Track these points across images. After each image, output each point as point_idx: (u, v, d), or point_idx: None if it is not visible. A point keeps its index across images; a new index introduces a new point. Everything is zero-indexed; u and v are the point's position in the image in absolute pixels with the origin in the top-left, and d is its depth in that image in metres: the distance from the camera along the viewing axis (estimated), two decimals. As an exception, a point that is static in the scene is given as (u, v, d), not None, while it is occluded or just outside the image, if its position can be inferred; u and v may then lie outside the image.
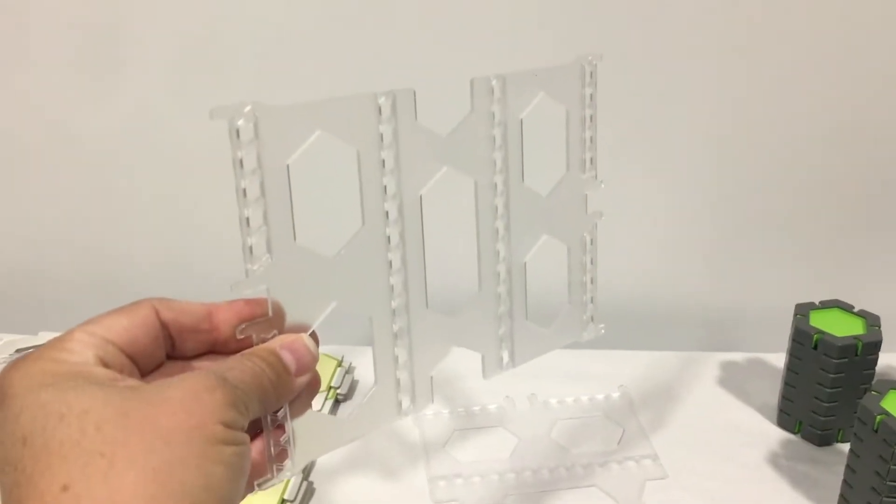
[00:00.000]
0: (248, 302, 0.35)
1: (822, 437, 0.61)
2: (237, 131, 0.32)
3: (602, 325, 0.50)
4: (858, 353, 0.58)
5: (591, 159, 0.48)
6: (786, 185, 0.74)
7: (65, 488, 0.26)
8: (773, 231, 0.75)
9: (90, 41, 0.72)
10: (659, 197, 0.75)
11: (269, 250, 0.34)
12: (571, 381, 0.68)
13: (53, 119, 0.76)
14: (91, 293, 0.82)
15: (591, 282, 0.50)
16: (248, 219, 0.33)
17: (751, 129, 0.72)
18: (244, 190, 0.33)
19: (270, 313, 0.34)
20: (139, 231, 0.79)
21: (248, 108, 0.32)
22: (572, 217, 0.48)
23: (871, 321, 0.60)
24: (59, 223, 0.80)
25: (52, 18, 0.72)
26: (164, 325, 0.33)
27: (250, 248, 0.33)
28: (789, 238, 0.76)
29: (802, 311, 0.62)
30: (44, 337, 0.71)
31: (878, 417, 0.50)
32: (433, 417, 0.65)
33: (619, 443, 0.62)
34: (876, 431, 0.50)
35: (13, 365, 0.30)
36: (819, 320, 0.61)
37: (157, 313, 0.33)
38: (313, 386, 0.35)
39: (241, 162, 0.33)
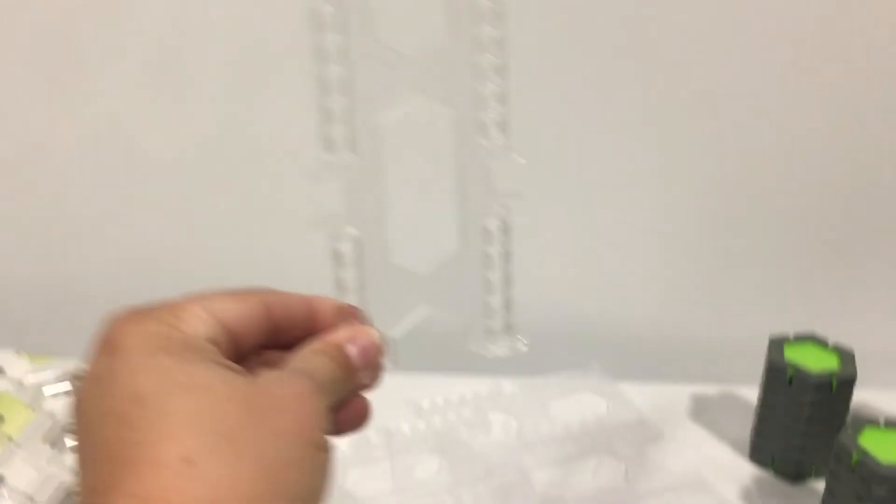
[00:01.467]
0: (342, 307, 0.34)
1: (796, 473, 0.60)
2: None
3: (524, 340, 0.42)
4: (833, 388, 0.57)
5: (502, 124, 0.38)
6: (759, 216, 0.73)
7: (186, 460, 0.25)
8: (746, 262, 0.75)
9: (54, 46, 0.70)
10: (631, 226, 0.74)
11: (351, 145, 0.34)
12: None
13: (12, 126, 0.73)
14: (43, 303, 0.79)
15: (506, 281, 0.41)
16: (328, 108, 0.33)
17: (724, 161, 0.71)
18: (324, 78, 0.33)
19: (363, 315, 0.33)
20: (96, 240, 0.77)
21: None
22: (473, 194, 0.39)
23: (846, 356, 0.59)
24: (11, 234, 0.78)
25: (15, 21, 0.70)
26: (271, 319, 0.32)
27: (330, 139, 0.33)
28: (762, 269, 0.75)
29: (776, 344, 0.61)
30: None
31: (855, 455, 0.49)
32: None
33: (591, 474, 0.61)
34: (853, 469, 0.49)
35: (129, 318, 0.29)
36: (793, 354, 0.60)
37: (268, 307, 0.32)
38: (374, 378, 0.34)
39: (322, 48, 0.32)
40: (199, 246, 0.77)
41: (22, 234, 0.77)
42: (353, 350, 0.33)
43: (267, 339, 0.33)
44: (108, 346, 0.29)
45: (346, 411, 0.33)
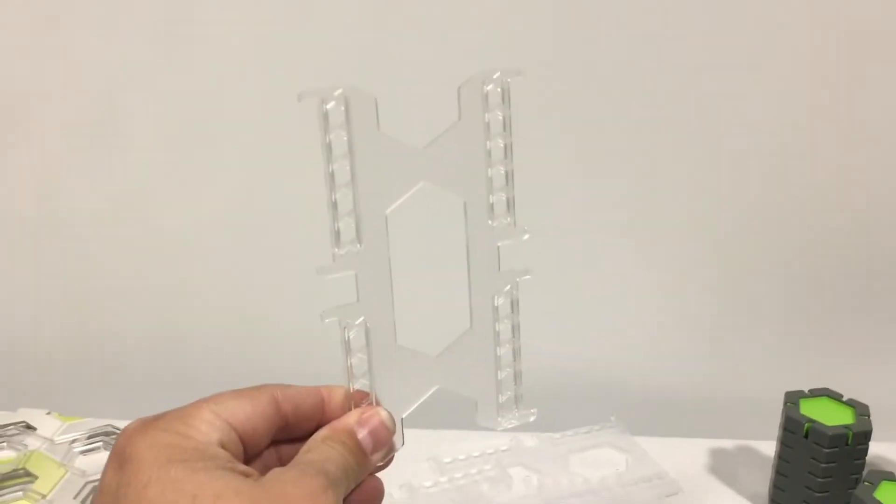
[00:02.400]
0: (352, 394, 0.35)
1: (814, 528, 0.61)
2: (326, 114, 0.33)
3: (533, 410, 0.43)
4: (849, 442, 0.58)
5: (508, 202, 0.40)
6: (772, 274, 0.75)
7: None
8: (761, 319, 0.76)
9: (88, 117, 0.73)
10: (648, 282, 0.76)
11: (357, 236, 0.35)
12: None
13: (45, 192, 0.76)
14: (73, 370, 0.81)
15: (514, 355, 0.42)
16: (335, 202, 0.34)
17: (738, 219, 0.73)
18: (332, 174, 0.34)
19: (374, 402, 0.35)
20: (125, 307, 0.79)
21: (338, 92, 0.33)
22: (482, 274, 0.40)
23: (861, 410, 0.61)
24: (41, 297, 0.80)
25: (49, 90, 0.73)
26: (281, 416, 0.33)
27: (338, 232, 0.34)
28: (776, 326, 0.77)
29: (792, 399, 0.62)
30: (24, 414, 0.70)
31: (873, 509, 0.50)
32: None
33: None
34: (871, 523, 0.50)
35: (138, 430, 0.30)
36: (809, 409, 0.61)
37: (278, 404, 0.33)
38: (386, 459, 0.35)
39: (329, 145, 0.33)
40: (220, 315, 0.78)
41: (52, 297, 0.79)
42: (362, 433, 0.33)
43: (280, 434, 0.33)
44: (120, 458, 0.29)
45: (360, 492, 0.34)
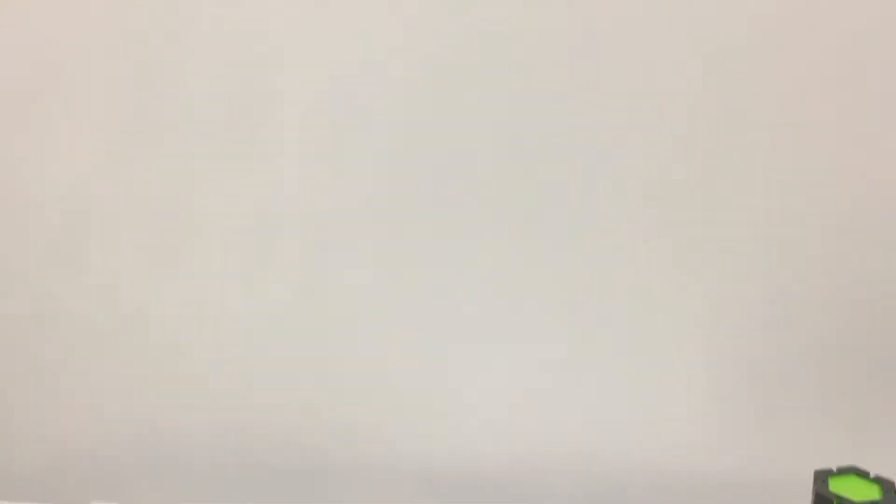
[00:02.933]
0: None
1: None
2: None
3: None
4: (877, 517, 0.61)
5: None
6: (798, 356, 0.78)
7: None
8: (788, 400, 0.79)
9: (159, 224, 0.80)
10: (676, 368, 0.80)
11: None
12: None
13: (117, 297, 0.82)
14: (143, 466, 0.85)
15: None
16: None
17: (763, 301, 0.77)
18: None
19: None
20: (194, 405, 0.84)
21: None
22: None
23: (887, 486, 0.64)
24: (112, 396, 0.85)
25: (121, 202, 0.80)
26: None
27: None
28: (804, 406, 0.79)
29: (821, 477, 0.65)
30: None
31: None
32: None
33: None
34: None
35: None
36: (837, 486, 0.64)
37: None
38: None
39: None
40: (284, 411, 0.83)
41: (124, 397, 0.85)
42: None
43: None
44: None
45: None
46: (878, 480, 0.65)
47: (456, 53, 0.73)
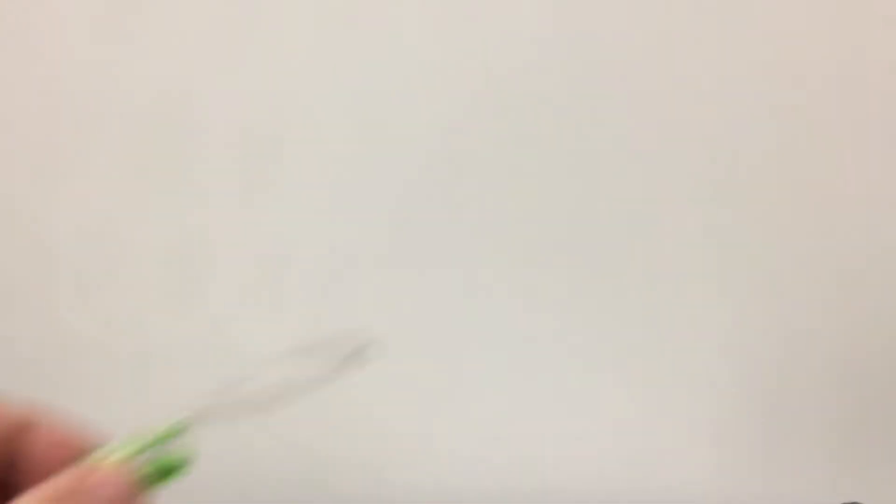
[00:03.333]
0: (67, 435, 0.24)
1: None
2: None
3: None
4: (874, 557, 0.57)
5: None
6: (798, 391, 0.74)
7: None
8: (789, 435, 0.75)
9: (169, 264, 0.83)
10: (677, 400, 0.76)
11: None
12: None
13: (139, 329, 0.85)
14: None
15: None
16: None
17: (766, 333, 0.74)
18: None
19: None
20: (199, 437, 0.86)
21: None
22: None
23: (889, 525, 0.59)
24: (127, 428, 0.87)
25: (132, 244, 0.83)
26: None
27: None
28: (804, 441, 0.75)
29: (823, 514, 0.61)
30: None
31: None
32: None
33: None
34: None
35: None
36: (837, 523, 0.60)
37: None
38: None
39: None
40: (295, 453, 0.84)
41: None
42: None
43: None
44: None
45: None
46: (881, 518, 0.60)
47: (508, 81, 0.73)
